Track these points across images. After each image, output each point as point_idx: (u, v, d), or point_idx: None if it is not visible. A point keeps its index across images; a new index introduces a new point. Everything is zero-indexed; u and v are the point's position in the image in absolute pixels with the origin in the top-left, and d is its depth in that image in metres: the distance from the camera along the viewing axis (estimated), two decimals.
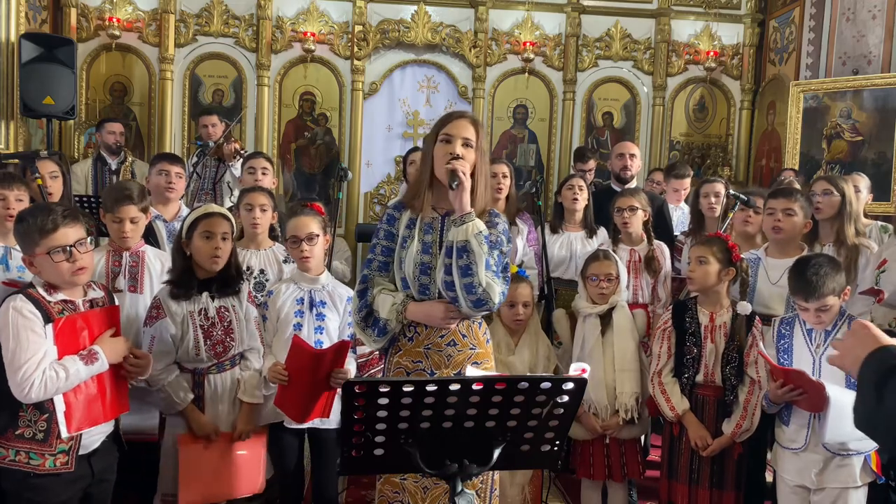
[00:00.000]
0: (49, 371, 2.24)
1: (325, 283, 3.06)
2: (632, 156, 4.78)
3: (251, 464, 2.83)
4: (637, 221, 3.79)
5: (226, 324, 2.81)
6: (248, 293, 2.94)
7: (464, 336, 2.44)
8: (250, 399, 2.84)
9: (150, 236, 3.41)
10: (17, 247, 2.84)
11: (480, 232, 2.29)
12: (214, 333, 2.78)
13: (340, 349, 2.75)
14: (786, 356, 2.82)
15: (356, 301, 2.50)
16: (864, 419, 1.37)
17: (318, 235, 3.02)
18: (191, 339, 2.75)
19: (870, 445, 2.70)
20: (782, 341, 2.84)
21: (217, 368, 2.80)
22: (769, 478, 3.32)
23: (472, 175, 2.35)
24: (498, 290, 2.32)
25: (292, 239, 3.02)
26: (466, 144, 2.35)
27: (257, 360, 2.92)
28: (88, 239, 2.41)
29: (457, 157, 2.31)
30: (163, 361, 2.73)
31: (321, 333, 2.99)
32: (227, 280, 2.85)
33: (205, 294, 2.80)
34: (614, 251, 3.63)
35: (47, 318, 2.28)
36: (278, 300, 2.99)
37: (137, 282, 3.07)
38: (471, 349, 2.45)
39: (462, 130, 2.36)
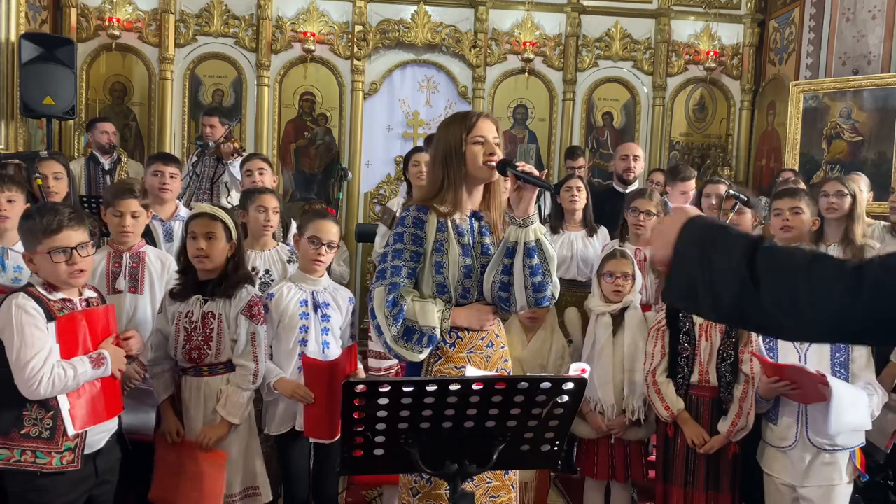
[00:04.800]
0: (58, 368, 2.26)
1: (326, 285, 3.08)
2: (635, 157, 4.83)
3: (207, 480, 2.71)
4: (651, 225, 3.83)
5: (208, 330, 2.76)
6: (249, 306, 2.80)
7: (497, 336, 2.45)
8: (227, 417, 2.74)
9: (147, 236, 3.40)
10: (13, 247, 2.86)
11: (547, 232, 2.34)
12: (194, 338, 2.77)
13: (351, 352, 2.78)
14: (772, 354, 2.84)
15: (386, 312, 2.27)
16: (684, 286, 1.32)
17: (336, 245, 3.04)
18: (172, 338, 2.79)
19: (856, 441, 2.74)
20: (768, 340, 2.86)
21: (194, 372, 2.79)
22: None
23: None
24: (559, 289, 2.41)
25: (313, 239, 2.99)
26: (497, 144, 2.38)
27: (246, 378, 2.77)
28: (91, 243, 2.42)
29: (512, 160, 2.32)
30: (155, 353, 2.84)
31: (327, 334, 3.00)
32: (222, 281, 2.80)
33: (195, 297, 2.79)
34: (620, 247, 3.65)
35: (49, 316, 2.30)
36: (281, 303, 2.97)
37: (138, 282, 3.06)
38: (502, 348, 2.47)
39: (492, 131, 2.38)
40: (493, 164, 2.32)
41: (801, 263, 1.19)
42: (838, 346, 2.74)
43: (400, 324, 2.27)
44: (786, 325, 1.22)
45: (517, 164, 2.27)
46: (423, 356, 2.32)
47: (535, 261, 2.28)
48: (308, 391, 2.87)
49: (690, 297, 1.33)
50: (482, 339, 2.40)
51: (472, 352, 2.38)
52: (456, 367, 2.36)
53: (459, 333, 2.37)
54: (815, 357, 2.74)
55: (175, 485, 2.72)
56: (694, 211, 1.38)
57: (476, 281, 2.37)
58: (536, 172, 2.27)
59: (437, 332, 2.29)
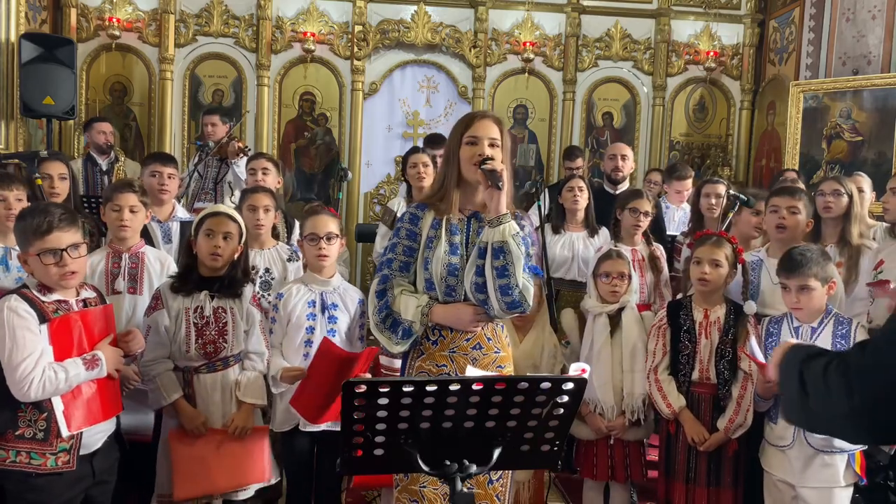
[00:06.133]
0: (48, 371, 2.24)
1: (336, 286, 3.06)
2: (623, 157, 4.84)
3: (249, 455, 2.80)
4: (646, 225, 3.85)
5: (221, 325, 2.79)
6: (253, 296, 2.91)
7: (489, 339, 2.41)
8: (252, 400, 2.83)
9: (146, 237, 3.39)
10: (17, 247, 2.85)
11: (518, 233, 2.30)
12: (207, 333, 2.77)
13: (369, 356, 2.78)
14: (769, 353, 2.84)
15: (375, 302, 2.41)
16: (796, 411, 1.48)
17: (336, 236, 3.02)
18: (182, 336, 2.76)
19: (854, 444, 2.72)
20: (770, 339, 2.88)
21: (207, 368, 2.79)
22: None
23: None
24: (531, 292, 2.33)
25: (311, 237, 2.99)
26: (493, 144, 2.35)
27: (261, 363, 2.89)
28: (84, 244, 2.41)
29: (490, 158, 2.30)
30: (154, 352, 2.76)
31: (333, 336, 2.99)
32: (231, 281, 2.83)
33: (204, 293, 2.79)
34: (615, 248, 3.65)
35: (42, 318, 2.29)
36: (289, 302, 2.97)
37: (137, 283, 3.06)
38: (495, 353, 2.43)
39: (488, 130, 2.36)
40: (486, 163, 2.31)
41: (820, 368, 1.36)
42: (838, 350, 2.74)
43: (384, 313, 2.37)
44: (825, 423, 1.40)
45: (487, 161, 2.28)
46: (400, 348, 2.38)
47: (501, 262, 2.26)
48: (301, 371, 2.84)
49: (791, 410, 1.52)
50: (467, 340, 2.39)
51: (454, 351, 2.38)
52: (437, 365, 2.37)
53: (443, 332, 2.38)
54: None
55: (207, 474, 2.72)
56: (793, 342, 1.60)
57: (462, 280, 2.37)
58: (500, 168, 2.26)
59: (415, 327, 2.34)
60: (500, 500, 2.41)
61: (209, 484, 2.73)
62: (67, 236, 2.33)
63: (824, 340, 2.77)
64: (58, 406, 2.31)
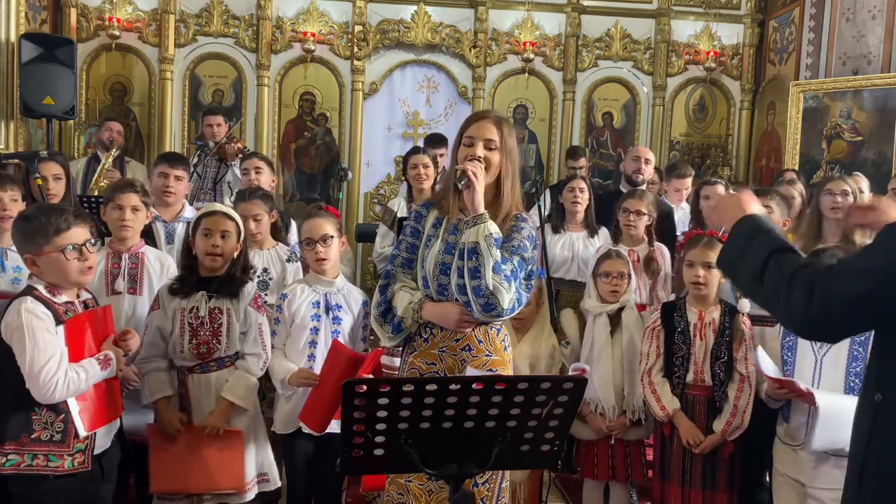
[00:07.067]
0: (71, 372, 2.26)
1: (340, 286, 3.04)
2: (647, 161, 4.89)
3: (224, 460, 2.76)
4: (642, 225, 3.83)
5: (215, 325, 2.77)
6: (254, 298, 2.88)
7: (480, 342, 2.39)
8: (232, 398, 2.76)
9: (148, 237, 3.38)
10: (12, 248, 2.82)
11: (491, 234, 2.28)
12: (201, 333, 2.76)
13: (375, 358, 2.78)
14: (790, 353, 2.82)
15: (377, 296, 2.49)
16: (730, 259, 1.76)
17: (332, 237, 2.99)
18: (176, 335, 2.76)
19: None
20: (787, 338, 2.84)
21: (201, 369, 2.78)
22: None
23: (498, 176, 2.38)
24: (507, 296, 2.26)
25: (306, 241, 2.98)
26: (489, 146, 2.35)
27: (256, 365, 2.84)
28: (93, 240, 2.43)
29: (475, 159, 2.31)
30: (148, 351, 2.78)
31: (337, 337, 2.98)
32: (230, 281, 2.82)
33: (201, 293, 2.79)
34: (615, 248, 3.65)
35: (57, 320, 2.30)
36: (294, 303, 2.95)
37: (137, 283, 3.05)
38: (486, 356, 2.40)
39: (484, 132, 2.35)
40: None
41: (788, 271, 1.55)
42: (854, 356, 2.70)
43: (383, 307, 2.46)
44: (776, 314, 1.65)
45: (468, 161, 2.31)
46: (392, 343, 2.45)
47: (474, 263, 2.25)
48: (312, 374, 2.85)
49: (731, 268, 1.77)
50: (456, 340, 2.38)
51: (444, 350, 2.39)
52: (426, 363, 2.39)
53: (433, 330, 2.40)
54: (831, 366, 2.70)
55: (182, 472, 2.72)
56: (758, 208, 1.80)
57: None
58: (467, 168, 2.28)
59: (405, 322, 2.39)
60: (485, 503, 2.41)
61: (183, 482, 2.73)
62: (83, 232, 2.36)
63: (843, 343, 2.73)
64: (73, 407, 2.31)
